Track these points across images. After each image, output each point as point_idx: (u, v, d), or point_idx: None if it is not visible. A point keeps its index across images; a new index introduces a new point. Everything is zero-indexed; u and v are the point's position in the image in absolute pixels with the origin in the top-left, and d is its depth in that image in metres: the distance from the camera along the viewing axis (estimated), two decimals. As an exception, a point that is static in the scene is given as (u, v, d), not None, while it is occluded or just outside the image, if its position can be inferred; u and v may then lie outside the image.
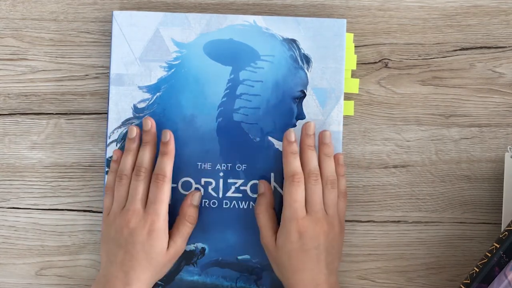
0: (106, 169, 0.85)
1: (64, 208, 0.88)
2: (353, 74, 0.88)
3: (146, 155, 0.83)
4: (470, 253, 0.87)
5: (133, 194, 0.81)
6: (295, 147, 0.83)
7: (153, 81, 0.86)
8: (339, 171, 0.84)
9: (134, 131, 0.84)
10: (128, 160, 0.83)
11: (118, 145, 0.86)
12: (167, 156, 0.82)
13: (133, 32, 0.86)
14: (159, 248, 0.80)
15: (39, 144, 0.88)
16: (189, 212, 0.83)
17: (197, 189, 0.85)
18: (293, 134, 0.83)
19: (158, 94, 0.86)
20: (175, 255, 0.82)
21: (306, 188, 0.82)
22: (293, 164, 0.82)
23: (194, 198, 0.84)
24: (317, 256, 0.80)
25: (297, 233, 0.80)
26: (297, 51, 0.86)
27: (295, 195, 0.81)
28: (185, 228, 0.83)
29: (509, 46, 0.88)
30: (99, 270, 0.85)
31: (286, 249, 0.80)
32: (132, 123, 0.86)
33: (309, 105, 0.86)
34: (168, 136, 0.83)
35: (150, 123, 0.84)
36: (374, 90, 0.88)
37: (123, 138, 0.86)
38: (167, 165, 0.82)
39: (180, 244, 0.82)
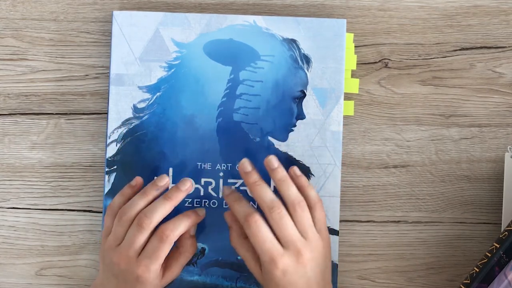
0: (106, 169, 0.85)
1: (64, 208, 0.88)
2: (353, 74, 0.88)
3: (161, 211, 0.79)
4: (470, 253, 0.87)
5: (130, 240, 0.78)
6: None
7: (153, 81, 0.86)
8: (302, 184, 0.80)
9: (165, 180, 0.81)
10: (139, 204, 0.80)
11: (118, 145, 0.86)
12: (185, 217, 0.80)
13: (133, 32, 0.86)
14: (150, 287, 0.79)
15: (39, 144, 0.88)
16: (190, 244, 0.82)
17: (196, 189, 0.85)
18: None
19: (158, 94, 0.86)
20: (171, 281, 0.82)
21: (272, 223, 0.77)
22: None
23: (191, 230, 0.82)
24: (307, 282, 0.77)
25: (279, 272, 0.76)
26: (297, 51, 0.86)
27: (260, 236, 0.76)
28: (186, 259, 0.82)
29: (509, 46, 0.88)
30: (98, 270, 0.85)
31: (272, 284, 0.77)
32: (132, 123, 0.86)
33: (309, 105, 0.86)
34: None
35: (189, 185, 0.81)
36: (374, 90, 0.88)
37: (123, 138, 0.86)
38: (179, 227, 0.79)
39: (177, 272, 0.82)
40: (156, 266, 0.78)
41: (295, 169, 0.81)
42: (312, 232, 0.78)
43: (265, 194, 0.78)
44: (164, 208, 0.79)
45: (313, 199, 0.80)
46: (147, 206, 0.79)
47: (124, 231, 0.79)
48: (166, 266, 0.81)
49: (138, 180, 0.83)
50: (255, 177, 0.79)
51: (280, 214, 0.77)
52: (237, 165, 0.80)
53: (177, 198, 0.80)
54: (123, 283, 0.78)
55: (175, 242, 0.80)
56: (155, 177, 0.82)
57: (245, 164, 0.80)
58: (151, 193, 0.80)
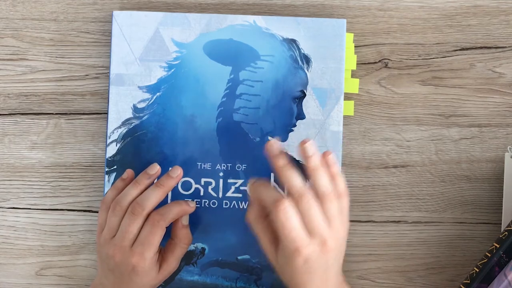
0: (106, 169, 0.85)
1: (64, 208, 0.88)
2: (353, 74, 0.88)
3: (153, 198, 0.79)
4: (470, 253, 0.87)
5: (124, 229, 0.79)
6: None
7: (153, 81, 0.86)
8: (333, 173, 0.77)
9: (156, 169, 0.82)
10: (132, 193, 0.80)
11: (118, 145, 0.86)
12: (175, 204, 0.81)
13: (133, 32, 0.86)
14: (145, 281, 0.79)
15: (39, 144, 0.88)
16: (183, 234, 0.82)
17: (196, 189, 0.85)
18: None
19: (158, 94, 0.86)
20: (168, 275, 0.82)
21: (300, 210, 0.74)
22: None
23: (183, 220, 0.82)
24: (324, 271, 0.76)
25: (301, 261, 0.74)
26: (297, 51, 0.86)
27: (288, 223, 0.73)
28: (182, 250, 0.82)
29: (509, 46, 0.88)
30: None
31: (288, 270, 0.76)
32: (132, 123, 0.86)
33: (309, 105, 0.86)
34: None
35: (180, 172, 0.82)
36: (374, 90, 0.88)
37: (123, 138, 0.86)
38: (170, 213, 0.80)
39: (174, 265, 0.82)
40: (150, 253, 0.78)
41: (330, 157, 0.77)
42: (337, 223, 0.76)
43: (295, 179, 0.75)
44: (156, 195, 0.80)
45: (341, 190, 0.77)
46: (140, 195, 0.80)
47: (118, 221, 0.79)
48: (163, 259, 0.81)
49: (129, 172, 0.83)
50: (284, 160, 0.76)
51: (309, 203, 0.74)
52: (265, 144, 0.76)
53: (169, 185, 0.81)
54: (120, 277, 0.79)
55: (170, 235, 0.81)
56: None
57: (274, 146, 0.76)
58: (143, 182, 0.81)
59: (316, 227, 0.74)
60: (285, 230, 0.73)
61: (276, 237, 0.76)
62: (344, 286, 0.80)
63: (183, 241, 0.82)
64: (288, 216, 0.73)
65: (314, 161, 0.76)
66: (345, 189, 0.78)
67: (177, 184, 0.85)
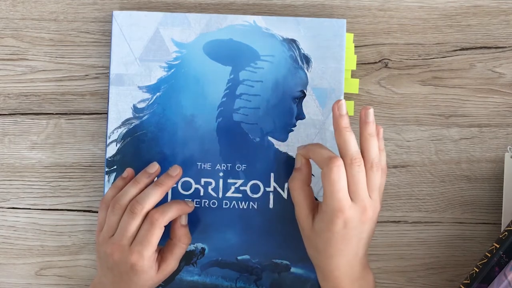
0: (106, 169, 0.85)
1: (64, 208, 0.88)
2: (353, 74, 0.88)
3: (152, 196, 0.80)
4: (470, 253, 0.87)
5: (123, 228, 0.79)
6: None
7: (153, 81, 0.86)
8: (381, 147, 0.79)
9: (155, 168, 0.82)
10: (131, 192, 0.80)
11: (118, 145, 0.86)
12: (174, 203, 0.81)
13: (133, 32, 0.86)
14: (143, 280, 0.79)
15: (39, 144, 0.88)
16: (182, 234, 0.82)
17: (196, 189, 0.85)
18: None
19: (158, 94, 0.86)
20: (167, 275, 0.81)
21: (348, 174, 0.75)
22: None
23: (182, 219, 0.82)
24: (357, 242, 0.77)
25: (342, 223, 0.75)
26: (297, 51, 0.86)
27: (338, 183, 0.75)
28: (181, 250, 0.82)
29: (509, 46, 0.88)
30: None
31: (325, 236, 0.76)
32: (132, 123, 0.86)
33: (309, 105, 0.86)
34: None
35: (179, 171, 0.82)
36: (374, 90, 0.88)
37: (123, 138, 0.86)
38: (169, 212, 0.80)
39: (173, 265, 0.81)
40: (149, 252, 0.78)
41: (381, 131, 0.80)
42: (378, 194, 0.78)
43: (353, 143, 0.76)
44: (156, 194, 0.80)
45: (384, 165, 0.79)
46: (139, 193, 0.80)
47: (117, 220, 0.79)
48: (162, 259, 0.81)
49: (129, 171, 0.83)
50: (347, 121, 0.77)
51: (360, 168, 0.75)
52: (334, 103, 0.77)
53: (168, 184, 0.81)
54: (119, 276, 0.79)
55: (169, 234, 0.81)
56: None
57: (343, 106, 0.77)
58: (143, 180, 0.81)
59: (360, 193, 0.76)
60: (334, 188, 0.75)
61: (314, 206, 0.78)
62: (368, 269, 0.80)
63: (182, 241, 0.82)
64: (340, 175, 0.75)
65: (372, 128, 0.77)
66: (385, 166, 0.80)
67: (177, 184, 0.85)
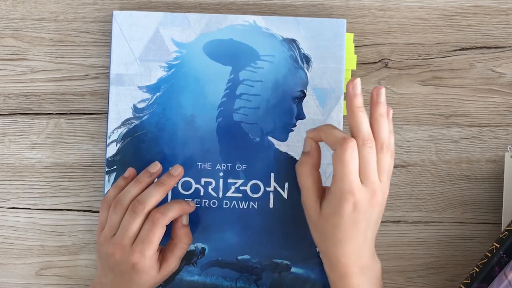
0: (106, 169, 0.85)
1: (64, 208, 0.88)
2: (353, 74, 0.88)
3: (154, 196, 0.80)
4: (470, 253, 0.87)
5: (124, 227, 0.79)
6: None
7: (153, 81, 0.86)
8: (390, 129, 0.77)
9: (157, 167, 0.82)
10: (133, 192, 0.81)
11: (118, 145, 0.86)
12: (175, 203, 0.81)
13: (133, 32, 0.86)
14: (144, 279, 0.79)
15: (39, 144, 0.88)
16: (183, 233, 0.82)
17: (196, 189, 0.85)
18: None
19: (158, 94, 0.86)
20: (168, 274, 0.81)
21: (360, 155, 0.74)
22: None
23: (183, 219, 0.82)
24: (366, 227, 0.75)
25: (351, 206, 0.74)
26: (297, 51, 0.86)
27: (351, 164, 0.73)
28: (182, 250, 0.82)
29: (509, 46, 0.88)
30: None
31: (334, 220, 0.75)
32: (132, 123, 0.86)
33: (309, 105, 0.86)
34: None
35: (180, 170, 0.82)
36: (374, 90, 0.88)
37: (123, 138, 0.86)
38: (170, 211, 0.79)
39: (174, 265, 0.81)
40: (150, 251, 0.78)
41: (391, 113, 0.78)
42: (387, 178, 0.76)
43: (365, 123, 0.75)
44: (157, 194, 0.80)
45: (393, 148, 0.77)
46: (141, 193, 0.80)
47: (119, 220, 0.79)
48: (163, 258, 0.81)
49: (131, 171, 0.83)
50: (361, 101, 0.75)
51: (372, 149, 0.74)
52: (349, 81, 0.75)
53: (170, 183, 0.81)
54: (120, 275, 0.79)
55: (170, 234, 0.81)
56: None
57: (358, 85, 0.75)
58: (144, 180, 0.81)
59: (370, 176, 0.74)
60: (345, 170, 0.73)
61: (322, 192, 0.77)
62: (376, 258, 0.78)
63: (183, 241, 0.82)
64: (353, 156, 0.73)
65: (383, 109, 0.76)
66: (393, 149, 0.78)
67: (177, 184, 0.85)
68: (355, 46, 0.88)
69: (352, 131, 0.75)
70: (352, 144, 0.73)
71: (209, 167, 0.86)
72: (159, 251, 0.80)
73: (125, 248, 0.78)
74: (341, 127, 0.86)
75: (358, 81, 0.76)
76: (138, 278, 0.78)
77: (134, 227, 0.78)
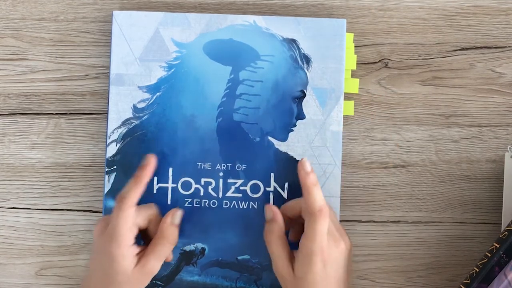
0: (106, 169, 0.85)
1: (64, 208, 0.88)
2: (353, 74, 0.88)
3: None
4: (470, 253, 0.87)
5: (111, 222, 0.80)
6: (315, 177, 0.80)
7: (153, 81, 0.86)
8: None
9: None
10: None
11: (118, 145, 0.86)
12: (133, 177, 0.81)
13: (133, 32, 0.86)
14: (121, 272, 0.78)
15: (39, 144, 0.88)
16: (170, 231, 0.81)
17: (196, 189, 0.86)
18: (308, 163, 0.80)
19: (158, 94, 0.86)
20: (147, 275, 0.80)
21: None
22: (318, 197, 0.79)
23: (174, 217, 0.82)
24: (338, 279, 0.79)
25: (321, 263, 0.78)
26: (297, 51, 0.86)
27: (324, 229, 0.78)
28: (164, 248, 0.81)
29: (509, 46, 0.88)
30: (99, 270, 0.85)
31: (309, 279, 0.78)
32: (132, 123, 0.86)
33: (309, 105, 0.86)
34: (148, 161, 0.82)
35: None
36: (374, 90, 0.88)
37: (123, 138, 0.86)
38: (127, 187, 0.80)
39: (153, 264, 0.80)
40: (119, 235, 0.77)
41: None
42: (341, 228, 0.81)
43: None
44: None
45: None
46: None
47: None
48: (143, 255, 0.80)
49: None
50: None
51: (326, 214, 0.78)
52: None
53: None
54: (100, 266, 0.79)
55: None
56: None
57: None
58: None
59: (332, 233, 0.79)
60: (320, 237, 0.78)
61: (291, 255, 0.80)
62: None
63: (167, 239, 0.81)
64: (327, 223, 0.78)
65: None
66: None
67: (177, 184, 0.85)
68: (355, 46, 0.88)
69: (309, 206, 0.78)
70: (325, 214, 0.78)
71: (209, 167, 0.86)
72: (140, 248, 0.80)
73: (106, 238, 0.78)
74: (341, 127, 0.86)
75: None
76: (113, 270, 0.78)
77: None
